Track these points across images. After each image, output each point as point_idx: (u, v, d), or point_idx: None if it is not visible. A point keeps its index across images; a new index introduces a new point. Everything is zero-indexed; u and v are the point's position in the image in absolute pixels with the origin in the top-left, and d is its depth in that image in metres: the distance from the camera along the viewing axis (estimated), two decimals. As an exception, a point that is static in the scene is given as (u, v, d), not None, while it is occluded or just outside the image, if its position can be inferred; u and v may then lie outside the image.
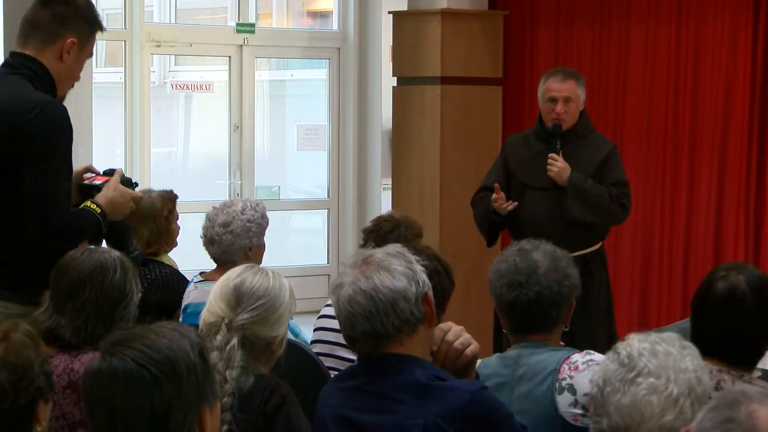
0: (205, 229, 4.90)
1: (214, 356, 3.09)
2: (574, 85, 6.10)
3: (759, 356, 3.36)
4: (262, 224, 4.91)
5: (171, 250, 5.48)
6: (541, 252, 3.44)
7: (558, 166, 6.01)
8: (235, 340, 3.15)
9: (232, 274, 3.26)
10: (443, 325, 3.19)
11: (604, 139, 6.32)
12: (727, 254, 7.69)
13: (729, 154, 7.80)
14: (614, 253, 8.05)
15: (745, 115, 7.73)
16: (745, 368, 3.30)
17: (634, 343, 2.60)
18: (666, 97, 8.06)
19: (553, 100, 6.07)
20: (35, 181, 3.81)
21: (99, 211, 3.95)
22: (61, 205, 3.85)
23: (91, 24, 4.03)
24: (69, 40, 3.96)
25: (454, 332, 3.17)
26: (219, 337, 3.15)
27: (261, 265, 3.40)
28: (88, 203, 3.97)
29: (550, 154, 6.03)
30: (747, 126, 7.73)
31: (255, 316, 3.19)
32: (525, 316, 3.39)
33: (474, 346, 3.17)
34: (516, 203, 6.05)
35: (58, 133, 3.85)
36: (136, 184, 4.24)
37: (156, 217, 5.34)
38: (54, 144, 3.84)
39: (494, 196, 6.04)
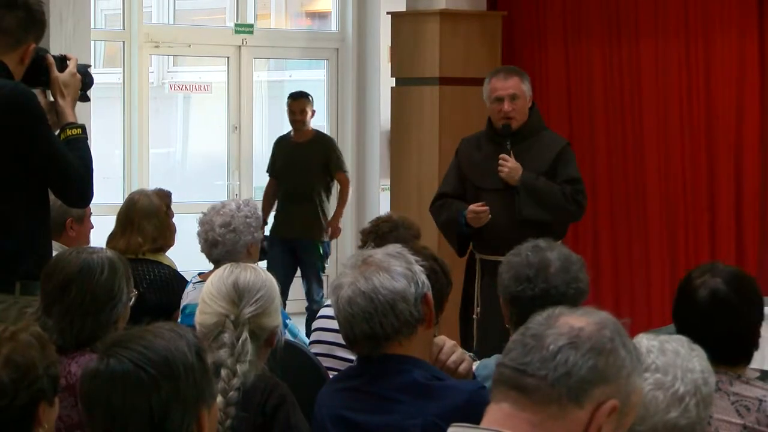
0: (204, 233, 4.85)
1: (222, 354, 3.12)
2: (518, 81, 5.99)
3: (753, 347, 3.36)
4: (259, 218, 4.92)
5: (172, 246, 5.49)
6: (555, 252, 3.45)
7: (509, 166, 5.91)
8: (246, 334, 3.17)
9: (223, 274, 3.28)
10: (437, 340, 3.19)
11: (556, 136, 6.21)
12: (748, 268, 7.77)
13: (745, 164, 7.89)
14: (645, 261, 8.19)
15: (756, 125, 7.84)
16: (741, 366, 3.29)
17: (643, 340, 2.60)
18: (680, 111, 8.12)
19: (500, 100, 5.98)
20: (45, 165, 3.95)
21: (79, 131, 4.10)
22: (71, 170, 4.00)
23: (45, 27, 4.16)
24: (31, 46, 4.07)
25: (447, 350, 3.18)
26: (227, 336, 3.16)
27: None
28: (67, 131, 4.09)
29: (500, 155, 5.93)
30: (758, 136, 7.83)
31: (259, 307, 3.22)
32: (527, 312, 3.38)
33: (467, 363, 3.19)
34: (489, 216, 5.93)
35: (31, 108, 3.95)
36: (89, 65, 4.38)
37: (158, 212, 5.38)
38: (36, 121, 3.95)
39: (474, 208, 5.91)
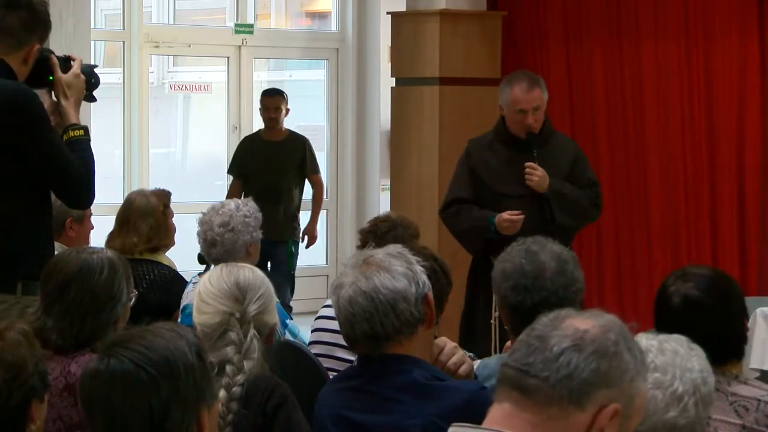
0: (204, 233, 4.85)
1: (229, 351, 3.15)
2: (540, 92, 5.94)
3: (741, 342, 3.35)
4: (258, 218, 4.92)
5: (170, 247, 5.48)
6: (548, 253, 3.39)
7: (538, 175, 5.85)
8: (253, 331, 3.21)
9: (222, 274, 3.30)
10: (438, 341, 3.19)
11: (565, 138, 6.28)
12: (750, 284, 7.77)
13: (746, 164, 7.93)
14: (648, 262, 8.24)
15: (757, 124, 7.86)
16: (733, 363, 3.29)
17: (643, 340, 2.60)
18: (681, 111, 8.16)
19: (524, 112, 5.89)
20: (45, 165, 3.95)
21: (81, 133, 4.11)
22: (71, 171, 4.00)
23: (49, 28, 4.14)
24: (35, 47, 4.06)
25: (447, 352, 3.18)
26: (233, 333, 3.18)
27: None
28: (70, 132, 4.10)
29: (527, 164, 5.87)
30: (759, 136, 7.86)
31: (261, 305, 3.27)
32: (528, 319, 3.37)
33: (467, 365, 3.18)
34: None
35: (32, 108, 3.95)
36: (96, 66, 4.38)
37: (154, 211, 5.37)
38: (37, 121, 3.95)
39: (510, 217, 5.80)
